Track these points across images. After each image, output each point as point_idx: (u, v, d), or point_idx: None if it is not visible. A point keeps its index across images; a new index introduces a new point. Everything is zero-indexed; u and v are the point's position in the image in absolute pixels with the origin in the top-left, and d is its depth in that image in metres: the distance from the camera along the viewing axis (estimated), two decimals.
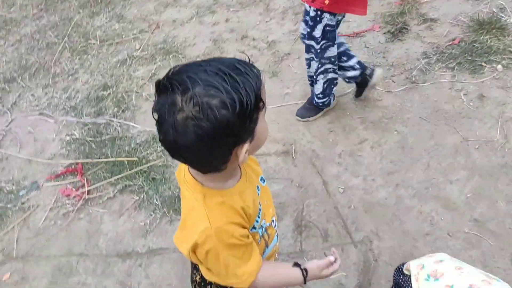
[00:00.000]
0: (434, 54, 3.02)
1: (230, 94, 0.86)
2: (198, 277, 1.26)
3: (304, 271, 1.16)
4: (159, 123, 0.90)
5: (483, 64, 2.87)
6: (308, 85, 2.69)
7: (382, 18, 3.44)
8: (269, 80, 3.11)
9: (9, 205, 2.62)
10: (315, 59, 2.43)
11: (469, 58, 2.91)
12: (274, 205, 2.23)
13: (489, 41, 3.01)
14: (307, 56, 2.48)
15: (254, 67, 0.94)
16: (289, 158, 2.53)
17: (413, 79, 2.87)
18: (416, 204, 2.17)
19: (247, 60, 0.95)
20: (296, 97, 2.92)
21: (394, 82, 2.90)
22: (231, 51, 3.42)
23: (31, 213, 2.55)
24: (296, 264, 1.17)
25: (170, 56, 3.50)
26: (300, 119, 2.75)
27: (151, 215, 2.33)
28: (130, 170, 2.60)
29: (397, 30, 3.28)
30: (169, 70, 0.91)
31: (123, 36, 3.86)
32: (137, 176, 2.57)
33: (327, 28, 2.28)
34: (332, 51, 2.40)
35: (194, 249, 1.03)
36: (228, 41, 3.55)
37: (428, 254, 1.33)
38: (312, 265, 1.18)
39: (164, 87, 0.88)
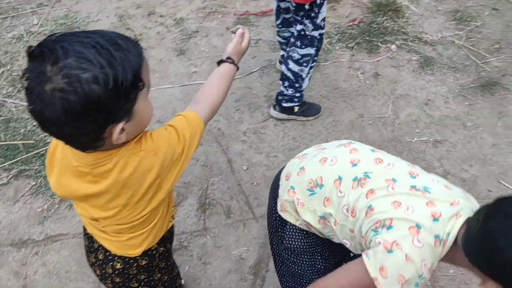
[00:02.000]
0: (335, 34, 3.15)
1: (104, 69, 0.83)
2: (119, 264, 1.21)
3: (230, 60, 1.25)
4: (28, 92, 0.85)
5: (379, 44, 3.04)
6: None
7: None
8: (176, 58, 3.07)
9: None
10: (314, 52, 2.34)
11: (367, 39, 3.07)
12: (179, 184, 2.26)
13: (385, 22, 3.19)
14: (306, 52, 2.31)
15: (137, 44, 0.92)
16: None
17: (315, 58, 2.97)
18: None
19: (132, 36, 0.94)
20: (203, 76, 2.91)
21: None
22: (137, 27, 3.32)
23: None
24: (220, 61, 1.26)
25: None
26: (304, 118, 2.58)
27: (49, 200, 2.24)
28: (26, 154, 2.46)
29: None
30: (45, 38, 0.88)
31: (19, 10, 3.57)
32: (33, 160, 2.43)
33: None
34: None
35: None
36: (134, 17, 3.43)
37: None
38: (230, 49, 1.27)
39: (36, 54, 0.84)
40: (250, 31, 3.21)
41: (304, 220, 1.23)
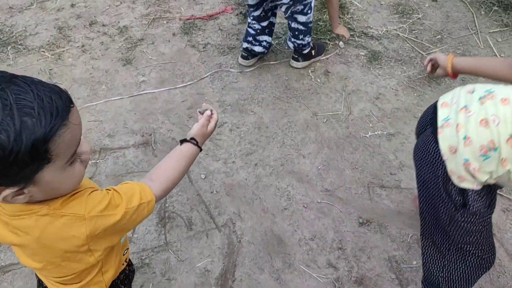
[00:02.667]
0: (283, 34, 3.15)
1: None
2: None
3: (194, 141, 1.16)
4: None
5: (327, 41, 3.07)
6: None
7: None
8: (123, 68, 2.96)
9: None
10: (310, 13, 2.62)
11: (315, 37, 3.08)
12: None
13: None
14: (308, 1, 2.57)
15: (60, 113, 0.79)
16: (149, 149, 2.45)
17: (265, 58, 2.96)
18: (273, 181, 2.27)
19: (68, 97, 0.82)
20: (152, 85, 2.83)
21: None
22: (78, 39, 3.18)
23: None
24: (183, 140, 1.16)
25: (9, 47, 3.13)
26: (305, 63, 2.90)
27: None
28: None
29: (247, 12, 3.33)
30: None
31: None
32: None
33: None
34: None
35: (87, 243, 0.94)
36: (75, 28, 3.29)
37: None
38: (194, 130, 1.19)
39: None
40: (197, 36, 3.17)
41: (481, 181, 1.27)
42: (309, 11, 2.61)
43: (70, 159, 0.85)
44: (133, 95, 2.77)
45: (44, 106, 0.77)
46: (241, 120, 2.60)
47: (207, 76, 2.87)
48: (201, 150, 1.18)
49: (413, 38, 3.07)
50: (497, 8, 3.24)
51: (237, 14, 3.37)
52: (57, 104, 0.79)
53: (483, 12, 3.25)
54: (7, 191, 0.79)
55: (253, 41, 2.79)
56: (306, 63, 2.88)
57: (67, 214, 0.89)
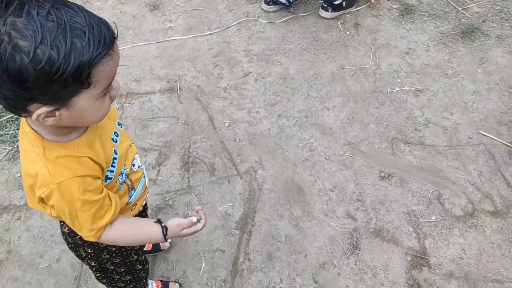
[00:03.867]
0: None
1: (44, 46, 0.74)
2: (66, 228, 1.21)
3: (164, 229, 1.11)
4: None
5: None
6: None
7: None
8: (150, 13, 2.95)
9: None
10: None
11: None
12: (161, 144, 2.22)
13: None
14: None
15: (107, 43, 0.81)
16: (175, 95, 2.47)
17: (294, 10, 2.89)
18: (296, 132, 2.28)
19: (114, 30, 0.84)
20: (179, 31, 2.82)
21: (276, 13, 2.91)
22: None
23: None
24: (158, 221, 1.13)
25: None
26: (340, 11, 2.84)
27: None
28: None
29: None
30: None
31: None
32: (7, 124, 2.35)
33: None
34: None
35: (42, 202, 0.98)
36: None
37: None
38: (173, 222, 1.13)
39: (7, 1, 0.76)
40: None
41: None
42: None
43: (104, 90, 0.88)
44: (160, 41, 2.77)
45: (94, 33, 0.79)
46: (267, 70, 2.58)
47: (234, 25, 2.84)
48: (165, 240, 1.14)
49: None
50: None
51: None
52: (105, 34, 0.81)
53: None
54: (43, 109, 0.82)
55: None
56: (335, 14, 2.81)
57: (48, 168, 0.92)
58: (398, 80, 2.49)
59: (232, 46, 2.73)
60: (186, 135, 2.29)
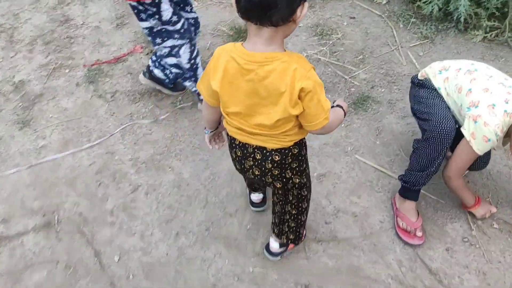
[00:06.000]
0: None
1: None
2: (277, 157, 1.45)
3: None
4: None
5: None
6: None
7: (142, 37, 3.19)
8: (20, 132, 2.61)
9: None
10: (183, 42, 2.21)
11: None
12: None
13: None
14: (171, 44, 2.21)
15: None
16: (52, 232, 2.12)
17: (179, 103, 2.70)
18: (198, 252, 2.01)
19: None
20: (54, 149, 2.49)
21: (161, 108, 2.69)
22: None
23: None
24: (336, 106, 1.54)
25: None
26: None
27: None
28: None
29: None
30: None
31: None
32: None
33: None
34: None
35: (299, 98, 1.26)
36: None
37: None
38: (340, 102, 1.57)
39: None
40: (104, 83, 2.85)
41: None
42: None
43: None
44: (32, 164, 2.43)
45: None
46: (158, 180, 2.32)
47: (117, 132, 2.57)
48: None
49: (334, 62, 2.91)
50: (414, 20, 3.15)
51: (147, 53, 3.09)
52: None
53: (401, 25, 3.15)
54: (306, 6, 1.20)
55: (156, 63, 2.52)
56: (150, 83, 2.65)
57: (298, 64, 1.23)
58: None
59: (116, 157, 2.45)
60: (69, 283, 1.93)
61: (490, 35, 2.94)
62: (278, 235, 1.83)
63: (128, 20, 3.36)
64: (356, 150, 2.40)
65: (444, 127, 1.81)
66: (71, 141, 2.53)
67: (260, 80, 1.24)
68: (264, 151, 1.44)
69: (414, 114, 2.05)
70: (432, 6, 2.97)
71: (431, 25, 3.09)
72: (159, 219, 2.15)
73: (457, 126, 1.86)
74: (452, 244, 1.98)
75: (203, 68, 2.32)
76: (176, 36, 2.18)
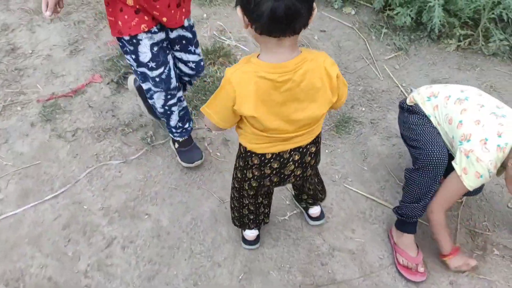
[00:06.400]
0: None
1: None
2: (314, 148, 1.53)
3: None
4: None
5: None
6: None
7: (101, 64, 2.94)
8: None
9: None
10: (157, 90, 1.99)
11: (204, 98, 2.67)
12: None
13: (218, 72, 2.83)
14: (146, 88, 2.02)
15: None
16: None
17: (150, 139, 2.48)
18: None
19: None
20: (12, 203, 2.23)
21: (130, 146, 2.47)
22: None
23: None
24: None
25: None
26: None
27: None
28: None
29: (122, 77, 2.83)
30: None
31: None
32: None
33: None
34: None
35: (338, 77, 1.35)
36: None
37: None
38: None
39: None
40: (63, 121, 2.60)
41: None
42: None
43: None
44: None
45: None
46: (134, 230, 2.11)
47: (83, 177, 2.33)
48: None
49: None
50: (386, 30, 3.06)
51: (108, 83, 2.84)
52: None
53: (374, 37, 3.06)
54: (315, 10, 1.23)
55: None
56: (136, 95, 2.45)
57: (317, 55, 1.31)
58: (287, 202, 2.19)
59: (85, 207, 2.21)
60: None
61: (464, 43, 2.89)
62: (315, 203, 1.99)
63: (83, 45, 3.10)
64: (344, 178, 2.27)
65: (436, 156, 1.71)
66: (31, 192, 2.27)
67: (297, 85, 1.28)
68: (301, 149, 1.49)
69: (405, 141, 1.95)
70: (404, 17, 2.89)
71: (403, 36, 3.01)
72: (140, 277, 1.94)
73: (449, 152, 1.77)
74: (456, 277, 1.89)
75: (179, 116, 2.14)
76: (151, 82, 1.97)
